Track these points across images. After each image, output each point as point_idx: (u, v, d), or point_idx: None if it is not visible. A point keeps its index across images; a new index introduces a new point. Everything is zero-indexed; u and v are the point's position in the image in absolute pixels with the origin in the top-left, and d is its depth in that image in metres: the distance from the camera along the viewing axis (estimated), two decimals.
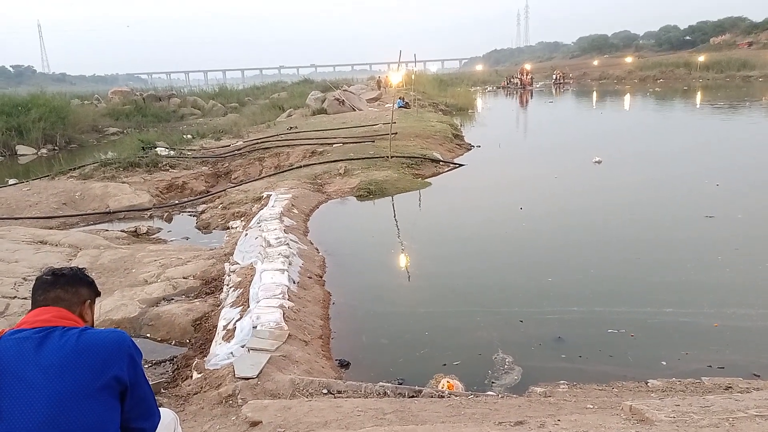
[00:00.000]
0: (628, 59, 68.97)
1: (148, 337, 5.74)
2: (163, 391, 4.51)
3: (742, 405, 3.30)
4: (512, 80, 56.71)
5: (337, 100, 26.70)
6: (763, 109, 26.55)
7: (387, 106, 26.18)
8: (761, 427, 2.85)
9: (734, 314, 5.83)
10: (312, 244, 8.75)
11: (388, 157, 14.31)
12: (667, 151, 15.91)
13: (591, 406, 3.88)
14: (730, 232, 8.56)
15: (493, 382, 4.84)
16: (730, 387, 4.26)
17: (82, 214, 11.43)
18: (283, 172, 14.14)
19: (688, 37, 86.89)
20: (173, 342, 5.69)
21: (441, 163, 14.98)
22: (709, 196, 10.66)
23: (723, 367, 4.82)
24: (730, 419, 3.02)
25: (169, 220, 11.30)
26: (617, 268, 7.47)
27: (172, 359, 5.30)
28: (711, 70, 52.82)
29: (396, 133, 16.36)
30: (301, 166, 14.39)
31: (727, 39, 75.60)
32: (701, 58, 56.00)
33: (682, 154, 15.59)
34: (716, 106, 28.75)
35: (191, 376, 4.70)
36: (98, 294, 2.28)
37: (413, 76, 29.77)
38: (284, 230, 8.51)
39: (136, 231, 10.00)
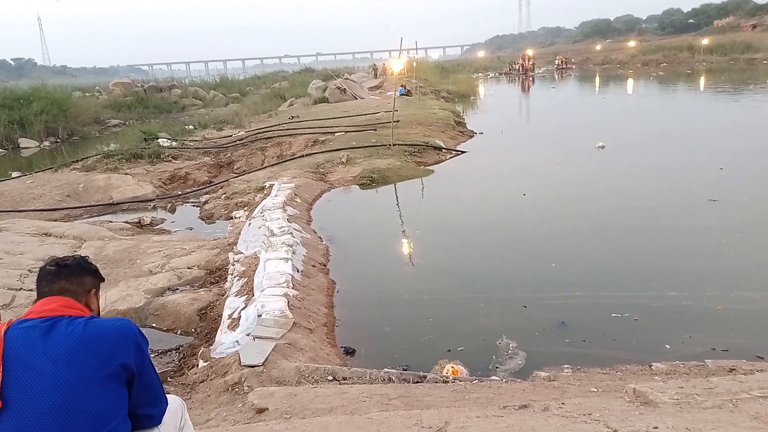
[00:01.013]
0: (631, 43, 68.44)
1: (153, 327, 5.78)
2: (169, 379, 4.56)
3: (745, 386, 3.31)
4: (514, 66, 56.34)
5: (339, 88, 26.61)
6: (767, 92, 26.36)
7: (389, 94, 26.07)
8: (764, 408, 2.86)
9: (738, 297, 5.83)
10: (315, 232, 8.77)
11: (390, 145, 14.28)
12: (671, 136, 15.84)
13: (595, 390, 3.90)
14: (734, 216, 8.54)
15: (497, 367, 4.87)
16: (733, 369, 4.28)
17: (85, 206, 11.47)
18: (285, 161, 14.13)
19: (691, 21, 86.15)
20: (179, 331, 5.73)
21: (443, 150, 14.95)
22: (712, 180, 10.62)
23: (727, 350, 4.83)
24: (734, 400, 3.04)
25: (173, 210, 11.33)
26: (621, 253, 7.47)
27: (178, 348, 5.34)
28: (715, 53, 52.38)
29: (398, 121, 16.31)
30: (303, 156, 14.37)
31: (731, 21, 74.92)
32: (705, 42, 55.51)
33: (685, 138, 15.52)
34: (720, 90, 28.57)
35: (197, 365, 4.74)
36: (102, 280, 2.29)
37: (414, 64, 29.61)
38: (287, 219, 8.52)
39: (139, 222, 10.03)
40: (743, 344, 4.93)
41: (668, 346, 5.00)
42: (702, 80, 35.75)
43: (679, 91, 31.49)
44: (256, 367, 4.34)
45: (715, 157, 12.50)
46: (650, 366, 4.50)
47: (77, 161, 14.69)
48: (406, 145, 14.52)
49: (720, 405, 2.97)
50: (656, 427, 2.66)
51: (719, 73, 39.21)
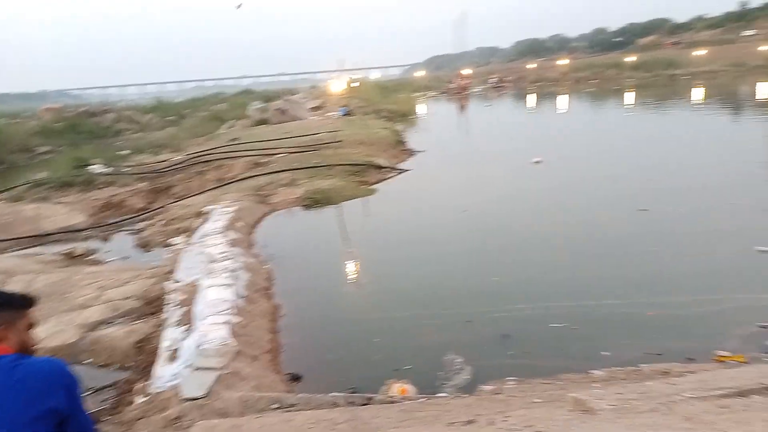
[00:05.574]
0: (563, 61, 71.11)
1: (88, 363, 5.53)
2: (105, 418, 4.35)
3: (678, 389, 3.44)
4: (450, 86, 57.33)
5: (279, 109, 26.48)
6: (688, 107, 27.90)
7: (330, 114, 26.15)
8: (696, 408, 2.98)
9: (667, 302, 6.09)
10: (258, 256, 8.63)
11: (332, 165, 14.28)
12: (602, 150, 16.48)
13: (538, 400, 3.96)
14: (662, 225, 8.94)
15: (444, 383, 4.89)
16: (667, 372, 4.44)
17: (13, 239, 10.90)
18: (225, 185, 13.90)
19: (618, 39, 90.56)
20: (115, 366, 5.49)
21: (385, 169, 15.05)
22: (641, 191, 11.07)
23: (660, 354, 5.01)
24: (668, 403, 3.15)
25: (107, 239, 10.92)
26: (557, 264, 7.68)
27: (114, 384, 5.11)
28: (640, 69, 55.08)
29: (340, 141, 16.36)
30: (244, 178, 14.18)
31: (654, 40, 79.26)
32: (631, 59, 58.41)
33: (615, 152, 16.17)
34: (646, 105, 30.03)
35: (135, 401, 4.55)
36: (16, 308, 2.08)
37: (355, 84, 29.84)
38: (229, 244, 8.36)
39: (71, 253, 9.61)
40: (674, 347, 5.14)
41: (606, 353, 5.16)
42: (629, 96, 37.43)
43: (609, 107, 32.90)
44: (197, 400, 4.20)
45: (643, 169, 13.07)
46: (589, 374, 4.62)
47: (3, 191, 14.00)
48: (348, 165, 14.56)
49: (655, 408, 3.07)
50: None
51: (645, 89, 41.15)
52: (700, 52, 55.58)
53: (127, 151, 20.92)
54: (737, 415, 2.86)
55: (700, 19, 78.64)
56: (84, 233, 11.20)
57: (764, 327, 5.37)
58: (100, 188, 14.03)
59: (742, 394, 3.21)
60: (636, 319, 5.83)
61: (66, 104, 42.57)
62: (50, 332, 5.81)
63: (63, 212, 12.07)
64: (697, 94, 33.36)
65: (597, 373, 4.60)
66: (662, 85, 43.44)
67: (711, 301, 6.01)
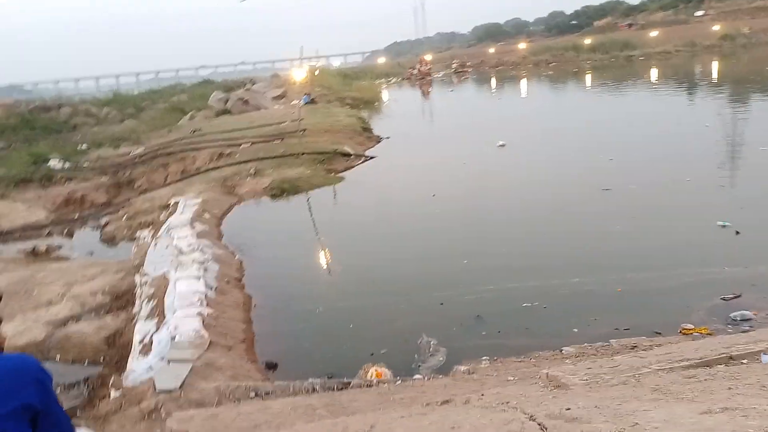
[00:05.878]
0: (522, 45, 71.56)
1: (58, 360, 5.42)
2: (79, 414, 4.29)
3: (645, 361, 3.57)
4: (412, 72, 56.98)
5: (241, 99, 26.07)
6: (645, 87, 28.51)
7: (293, 103, 25.87)
8: (662, 380, 3.10)
9: (634, 278, 6.27)
10: (227, 247, 8.56)
11: (298, 154, 14.17)
12: (563, 132, 16.71)
13: (512, 378, 4.06)
14: (626, 203, 9.16)
15: (419, 366, 4.96)
16: (635, 346, 4.59)
17: None
18: (190, 176, 13.68)
19: (574, 22, 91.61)
20: (86, 362, 5.40)
21: (352, 156, 15.01)
22: (604, 171, 11.31)
23: (628, 329, 5.18)
24: (636, 376, 3.26)
25: (70, 235, 10.65)
26: (526, 245, 7.83)
27: (86, 380, 5.04)
28: (597, 51, 55.75)
29: (305, 130, 16.23)
30: (208, 170, 13.98)
31: (609, 22, 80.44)
32: (587, 41, 59.20)
33: (576, 133, 16.43)
34: (604, 86, 30.56)
35: (109, 395, 4.50)
36: None
37: (317, 72, 29.51)
38: (197, 236, 8.26)
39: (34, 250, 9.35)
40: (642, 322, 5.31)
41: (576, 330, 5.30)
42: (588, 78, 37.99)
43: (569, 89, 33.38)
44: (173, 392, 4.18)
45: (605, 149, 13.32)
46: (561, 350, 4.75)
47: None
48: (314, 153, 14.47)
49: (624, 381, 3.18)
50: (568, 408, 2.80)
51: (602, 70, 41.77)
52: (654, 34, 56.65)
53: (86, 146, 20.32)
54: (702, 384, 2.98)
55: (652, 0, 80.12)
56: (46, 230, 10.91)
57: (727, 300, 5.58)
58: (60, 184, 13.65)
59: (707, 364, 3.35)
60: (604, 295, 6.00)
61: (18, 99, 40.95)
62: (17, 330, 5.68)
63: (22, 209, 11.72)
64: (653, 74, 34.11)
65: (568, 349, 4.73)
66: (619, 67, 44.24)
67: (676, 276, 6.21)
